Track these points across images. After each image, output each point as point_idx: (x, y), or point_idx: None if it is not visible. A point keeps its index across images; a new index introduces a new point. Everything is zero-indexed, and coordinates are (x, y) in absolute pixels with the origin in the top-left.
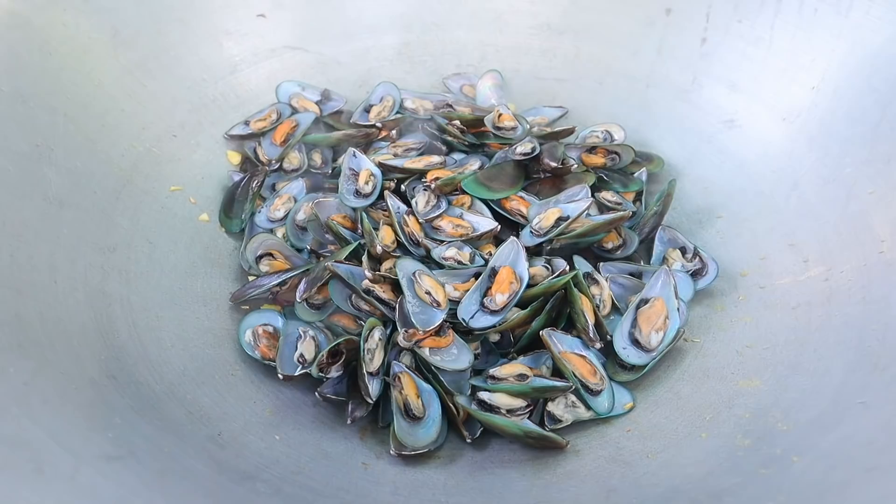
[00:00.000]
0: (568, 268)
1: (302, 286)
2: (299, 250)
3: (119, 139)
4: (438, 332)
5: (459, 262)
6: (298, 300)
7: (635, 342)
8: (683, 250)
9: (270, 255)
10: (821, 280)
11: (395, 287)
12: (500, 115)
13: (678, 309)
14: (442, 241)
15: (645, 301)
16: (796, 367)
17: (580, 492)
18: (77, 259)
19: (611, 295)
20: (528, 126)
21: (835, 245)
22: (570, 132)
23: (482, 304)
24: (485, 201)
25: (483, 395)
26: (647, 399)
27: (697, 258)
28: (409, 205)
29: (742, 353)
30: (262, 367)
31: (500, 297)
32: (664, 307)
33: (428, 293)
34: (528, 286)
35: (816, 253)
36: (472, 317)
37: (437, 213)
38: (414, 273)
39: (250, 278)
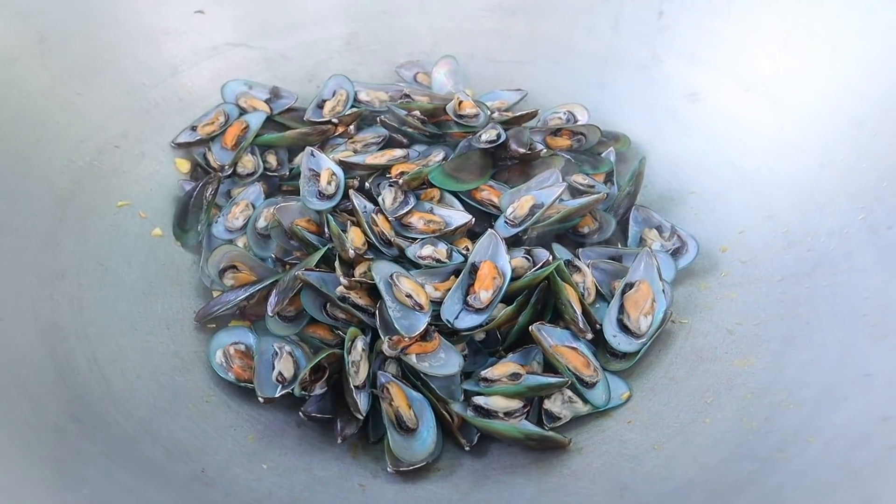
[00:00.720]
0: (551, 258)
1: (273, 299)
2: (263, 259)
3: (56, 155)
4: (424, 336)
5: (438, 261)
6: (270, 314)
7: (624, 328)
8: (660, 229)
9: (234, 267)
10: (804, 250)
11: (372, 292)
12: (460, 102)
13: (663, 290)
14: (415, 239)
15: (630, 285)
16: (790, 341)
17: (592, 492)
18: (23, 291)
19: (594, 282)
20: (490, 112)
21: (813, 213)
22: (532, 115)
23: (466, 303)
24: (454, 193)
25: (479, 400)
26: (642, 387)
27: (675, 236)
28: (375, 203)
29: (733, 332)
30: (238, 390)
31: (484, 294)
32: (650, 290)
33: (409, 296)
34: (511, 280)
35: (796, 223)
36: (456, 317)
37: (406, 209)
38: (391, 275)
39: (215, 294)
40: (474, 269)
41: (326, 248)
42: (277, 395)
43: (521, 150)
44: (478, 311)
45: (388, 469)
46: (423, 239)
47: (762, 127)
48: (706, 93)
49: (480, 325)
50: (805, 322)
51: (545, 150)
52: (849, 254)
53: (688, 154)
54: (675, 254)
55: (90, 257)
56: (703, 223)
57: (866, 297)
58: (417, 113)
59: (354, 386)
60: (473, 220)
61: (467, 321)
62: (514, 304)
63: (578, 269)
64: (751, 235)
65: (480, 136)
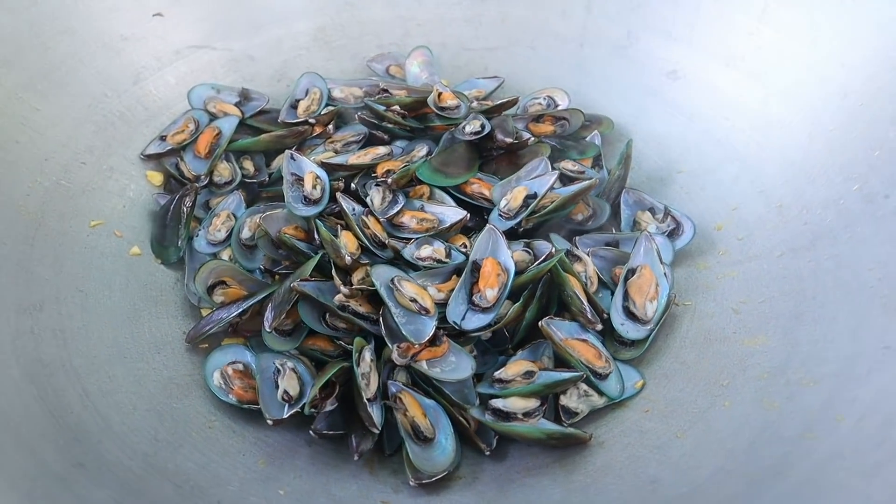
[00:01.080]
0: (554, 249)
1: (269, 314)
2: (251, 271)
3: (20, 177)
4: (433, 341)
5: (438, 261)
6: (268, 329)
7: (631, 316)
8: (653, 211)
9: (223, 283)
10: (800, 224)
11: (372, 298)
12: (439, 94)
13: (665, 274)
14: (409, 240)
15: (632, 271)
16: (799, 317)
17: (622, 489)
18: (0, 327)
19: (595, 270)
20: (470, 102)
21: (806, 186)
22: (513, 103)
23: (471, 303)
24: (444, 189)
25: (497, 403)
26: (654, 374)
27: (669, 218)
28: (364, 204)
29: (738, 311)
30: (241, 412)
31: (490, 293)
32: (652, 274)
33: (413, 300)
34: (515, 275)
35: (789, 196)
36: (463, 318)
37: (397, 208)
38: (392, 280)
39: (203, 312)
40: (476, 266)
41: (319, 255)
42: (286, 416)
43: (508, 140)
44: (484, 310)
45: (410, 482)
46: (417, 239)
47: (746, 101)
48: (686, 70)
49: (489, 325)
50: (811, 297)
51: (532, 139)
52: (847, 225)
53: (672, 133)
54: (671, 235)
55: (67, 284)
56: (695, 202)
57: (871, 269)
58: (397, 108)
59: (367, 399)
60: (469, 215)
61: (475, 321)
62: (521, 299)
63: (578, 259)
64: (744, 212)
65: (464, 127)
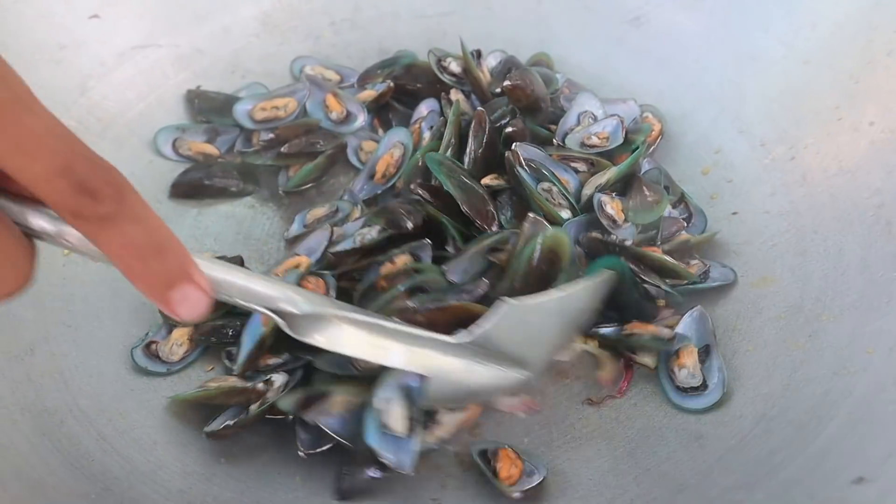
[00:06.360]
0: None
1: None
2: None
3: None
4: None
5: None
6: None
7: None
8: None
9: None
10: (787, 160)
11: None
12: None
13: None
14: None
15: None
16: (804, 253)
17: (669, 449)
18: None
19: None
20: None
21: (787, 121)
22: None
23: None
24: None
25: None
26: None
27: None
28: None
29: (739, 252)
30: (263, 426)
31: None
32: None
33: None
34: None
35: (771, 133)
36: None
37: None
38: None
39: None
40: None
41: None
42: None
43: None
44: None
45: None
46: None
47: (714, 42)
48: (649, 15)
49: None
50: (812, 231)
51: None
52: (835, 156)
53: (643, 81)
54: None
55: (54, 321)
56: (678, 148)
57: (866, 197)
58: None
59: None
60: None
61: None
62: None
63: None
64: (728, 154)
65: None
